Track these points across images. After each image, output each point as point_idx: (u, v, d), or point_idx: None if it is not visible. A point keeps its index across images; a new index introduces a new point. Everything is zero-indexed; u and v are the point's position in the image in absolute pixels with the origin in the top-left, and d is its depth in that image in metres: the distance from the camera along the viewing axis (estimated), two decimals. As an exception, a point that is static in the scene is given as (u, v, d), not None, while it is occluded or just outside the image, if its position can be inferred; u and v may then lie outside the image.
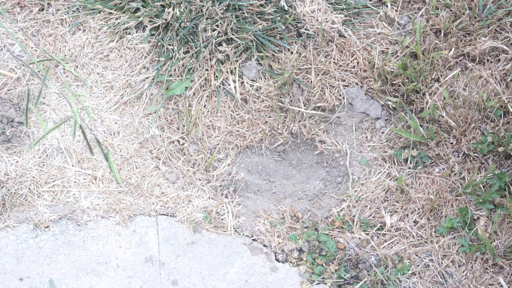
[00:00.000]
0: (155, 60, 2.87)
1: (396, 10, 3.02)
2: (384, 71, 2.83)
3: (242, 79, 2.86)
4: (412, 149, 2.77)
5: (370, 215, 2.70)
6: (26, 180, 2.64)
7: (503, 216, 2.61)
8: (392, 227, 2.66)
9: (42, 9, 2.97)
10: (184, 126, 2.80)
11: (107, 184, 2.69)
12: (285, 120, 2.85)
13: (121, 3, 2.92)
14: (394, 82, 2.83)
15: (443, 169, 2.73)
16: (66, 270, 2.51)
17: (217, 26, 2.81)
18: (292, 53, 2.87)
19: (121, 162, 2.72)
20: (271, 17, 2.86)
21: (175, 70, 2.83)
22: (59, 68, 2.85)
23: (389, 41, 2.97)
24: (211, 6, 2.81)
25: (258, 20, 2.86)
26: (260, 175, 2.82)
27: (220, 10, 2.80)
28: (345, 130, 2.87)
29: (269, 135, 2.84)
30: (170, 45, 2.84)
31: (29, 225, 2.57)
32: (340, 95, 2.87)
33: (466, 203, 2.66)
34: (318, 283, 2.55)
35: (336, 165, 2.84)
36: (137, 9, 2.91)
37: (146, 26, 2.87)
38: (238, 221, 2.68)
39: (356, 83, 2.89)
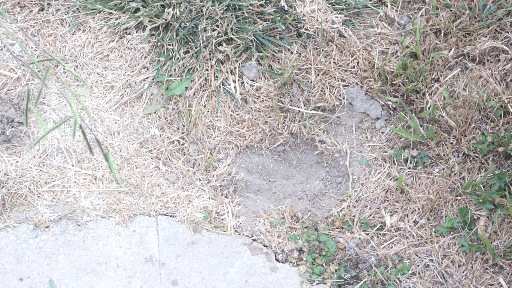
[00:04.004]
0: (155, 60, 2.87)
1: (396, 10, 3.02)
2: (384, 71, 2.83)
3: (242, 79, 2.86)
4: (412, 149, 2.77)
5: (370, 215, 2.70)
6: (26, 180, 2.64)
7: (503, 216, 2.61)
8: (392, 227, 2.66)
9: (42, 9, 2.97)
10: (184, 126, 2.80)
11: (107, 184, 2.69)
12: (285, 120, 2.85)
13: (121, 3, 2.92)
14: (394, 82, 2.83)
15: (443, 169, 2.73)
16: (66, 270, 2.51)
17: (217, 26, 2.81)
18: (292, 53, 2.87)
19: (121, 162, 2.72)
20: (271, 17, 2.85)
21: (175, 70, 2.83)
22: (59, 68, 2.85)
23: (389, 41, 2.97)
24: (211, 6, 2.81)
25: (258, 20, 2.86)
26: (260, 175, 2.82)
27: (220, 10, 2.80)
28: (345, 130, 2.87)
29: (269, 135, 2.84)
30: (170, 45, 2.84)
31: (29, 225, 2.57)
32: (340, 95, 2.87)
33: (466, 203, 2.66)
34: (318, 283, 2.55)
35: (336, 165, 2.84)
36: (137, 9, 2.91)
37: (146, 26, 2.87)
38: (238, 221, 2.68)
39: (356, 83, 2.89)
